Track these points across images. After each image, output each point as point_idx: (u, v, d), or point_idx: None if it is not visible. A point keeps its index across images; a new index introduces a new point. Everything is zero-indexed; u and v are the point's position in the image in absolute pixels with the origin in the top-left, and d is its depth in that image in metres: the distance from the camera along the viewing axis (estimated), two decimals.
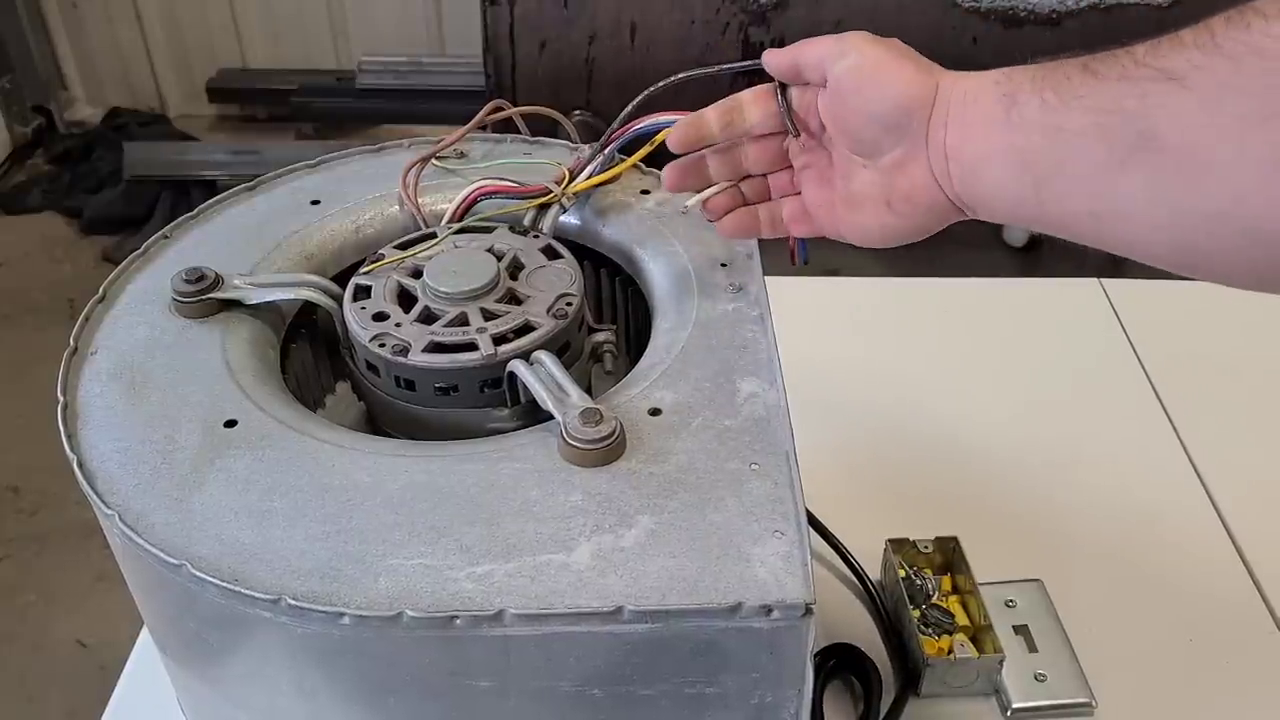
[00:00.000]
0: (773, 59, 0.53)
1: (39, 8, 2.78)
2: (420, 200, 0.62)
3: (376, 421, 0.57)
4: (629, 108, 0.59)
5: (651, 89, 0.58)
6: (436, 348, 0.51)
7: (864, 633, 0.70)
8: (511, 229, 0.59)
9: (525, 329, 0.52)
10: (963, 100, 0.46)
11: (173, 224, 0.61)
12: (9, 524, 1.81)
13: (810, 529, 0.51)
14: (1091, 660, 0.66)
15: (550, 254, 0.57)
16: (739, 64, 0.58)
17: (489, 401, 0.52)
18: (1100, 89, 0.40)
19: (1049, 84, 0.42)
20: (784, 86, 0.53)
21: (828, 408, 0.81)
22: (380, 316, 0.53)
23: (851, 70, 0.49)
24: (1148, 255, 0.42)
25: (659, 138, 0.60)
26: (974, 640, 0.66)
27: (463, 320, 0.52)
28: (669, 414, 0.48)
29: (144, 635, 0.69)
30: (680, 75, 0.57)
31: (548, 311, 0.53)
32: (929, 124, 0.47)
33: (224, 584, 0.41)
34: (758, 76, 0.55)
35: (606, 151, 0.60)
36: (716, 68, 0.58)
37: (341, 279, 0.57)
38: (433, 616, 0.40)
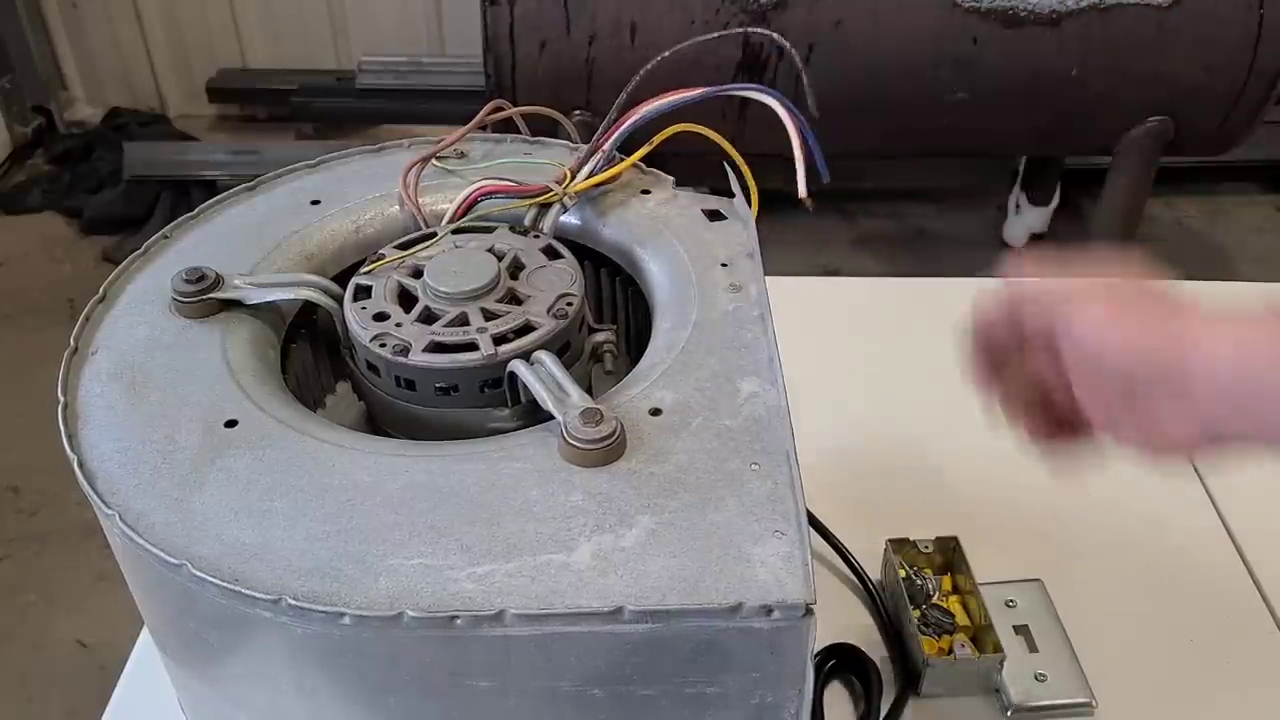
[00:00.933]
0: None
1: (39, 8, 2.78)
2: (420, 200, 0.62)
3: (376, 421, 0.57)
4: (621, 96, 0.59)
5: (641, 72, 0.57)
6: (437, 348, 0.51)
7: (864, 632, 0.70)
8: (512, 229, 0.59)
9: (525, 329, 0.52)
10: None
11: (173, 224, 0.61)
12: (9, 524, 1.81)
13: (810, 529, 0.51)
14: (1091, 660, 0.66)
15: (551, 254, 0.57)
16: (715, 35, 0.57)
17: (489, 401, 0.52)
18: None
19: None
20: None
21: (828, 408, 0.81)
22: (380, 316, 0.53)
23: (1083, 320, 0.47)
24: None
25: (659, 137, 0.60)
26: (974, 640, 0.66)
27: (463, 320, 0.52)
28: (669, 414, 0.48)
29: (144, 635, 0.69)
30: (667, 52, 0.57)
31: (548, 311, 0.53)
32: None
33: (224, 584, 0.41)
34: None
35: (605, 148, 0.60)
36: (702, 38, 0.56)
37: (342, 279, 0.57)
38: (433, 616, 0.40)
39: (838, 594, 0.72)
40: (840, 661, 0.67)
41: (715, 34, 0.58)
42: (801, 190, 0.57)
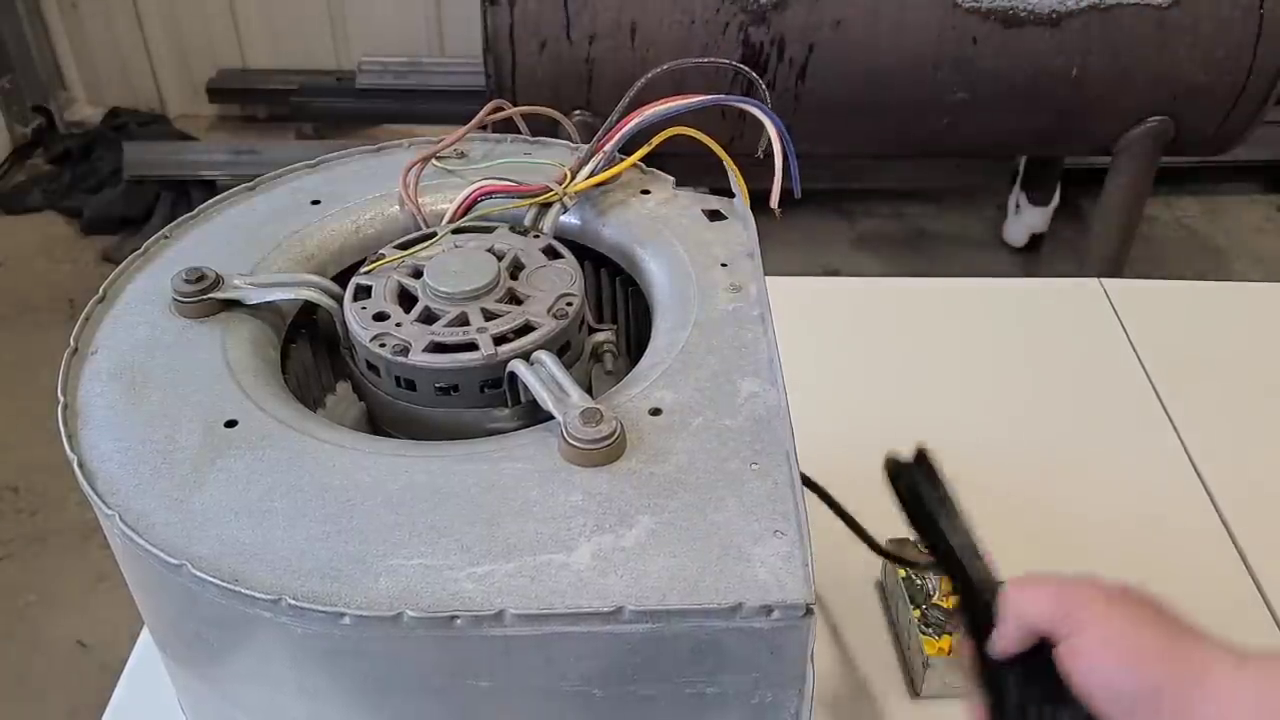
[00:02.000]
0: (1006, 645, 0.47)
1: (39, 8, 2.78)
2: (420, 200, 0.62)
3: (376, 421, 0.57)
4: (624, 100, 0.59)
5: (644, 79, 0.58)
6: (437, 348, 0.51)
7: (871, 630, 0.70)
8: (512, 229, 0.59)
9: (526, 329, 0.52)
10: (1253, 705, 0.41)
11: (173, 224, 0.61)
12: (9, 524, 1.81)
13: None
14: None
15: (551, 254, 0.57)
16: (727, 62, 0.58)
17: (489, 401, 0.52)
18: None
19: None
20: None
21: (828, 408, 0.81)
22: (381, 316, 0.53)
23: (1075, 652, 0.44)
24: None
25: (657, 139, 0.60)
26: None
27: (463, 320, 0.52)
28: (669, 414, 0.48)
29: (144, 635, 0.69)
30: (670, 64, 0.57)
31: (548, 311, 0.53)
32: (1189, 714, 0.42)
33: (224, 584, 0.41)
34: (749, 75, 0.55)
35: (606, 149, 0.60)
36: (709, 60, 0.57)
37: (342, 279, 0.57)
38: (433, 616, 0.40)
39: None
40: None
41: (710, 59, 0.59)
42: (774, 201, 0.58)
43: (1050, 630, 0.45)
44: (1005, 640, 0.47)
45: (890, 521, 0.74)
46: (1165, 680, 0.42)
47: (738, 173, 0.61)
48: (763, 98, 0.59)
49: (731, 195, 0.62)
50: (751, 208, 0.61)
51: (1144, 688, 0.42)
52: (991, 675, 0.48)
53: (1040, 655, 0.46)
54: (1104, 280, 1.05)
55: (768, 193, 0.60)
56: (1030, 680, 0.46)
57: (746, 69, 0.59)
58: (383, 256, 0.56)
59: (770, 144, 0.58)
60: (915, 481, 0.54)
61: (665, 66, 0.58)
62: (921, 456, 0.54)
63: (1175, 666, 0.42)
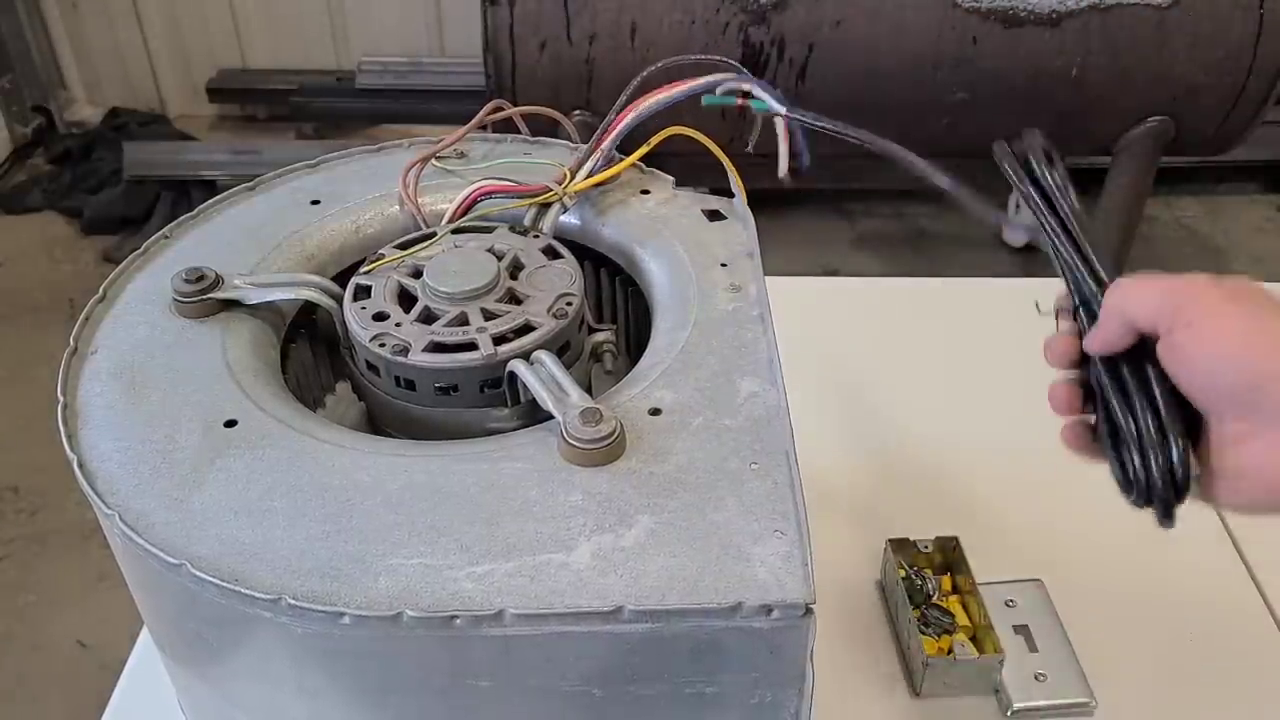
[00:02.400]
0: (1104, 340, 0.47)
1: (39, 8, 2.78)
2: (420, 200, 0.62)
3: (376, 421, 0.57)
4: (622, 97, 0.59)
5: (641, 76, 0.58)
6: (436, 347, 0.51)
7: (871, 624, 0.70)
8: (511, 229, 0.59)
9: (525, 329, 0.52)
10: None
11: (173, 224, 0.61)
12: (9, 524, 1.81)
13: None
14: (1091, 660, 0.66)
15: (550, 254, 0.57)
16: (718, 59, 0.58)
17: (489, 401, 0.52)
18: None
19: None
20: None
21: (828, 407, 0.81)
22: (380, 316, 0.53)
23: (1179, 345, 0.43)
24: None
25: (656, 138, 0.60)
26: (974, 640, 0.66)
27: (463, 320, 0.52)
28: (669, 414, 0.48)
29: (144, 635, 0.69)
30: (666, 61, 0.57)
31: (548, 311, 0.53)
32: None
33: (224, 584, 0.41)
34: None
35: (604, 147, 0.60)
36: (705, 57, 0.57)
37: (341, 279, 0.57)
38: (433, 616, 0.40)
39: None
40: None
41: (707, 56, 0.59)
42: (782, 170, 0.58)
43: (1153, 326, 0.44)
44: (1105, 333, 0.46)
45: (891, 521, 0.74)
46: (1270, 374, 0.40)
47: (735, 173, 0.61)
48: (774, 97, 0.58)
49: (731, 195, 0.62)
50: (751, 207, 0.61)
51: (1246, 380, 0.41)
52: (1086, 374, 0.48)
53: (1138, 356, 0.45)
54: None
55: (766, 192, 0.60)
56: (1124, 376, 0.46)
57: (739, 66, 0.58)
58: (383, 256, 0.57)
59: (756, 138, 0.58)
60: (1035, 157, 0.53)
61: (661, 64, 0.58)
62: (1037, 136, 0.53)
63: (1272, 362, 0.41)
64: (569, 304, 0.53)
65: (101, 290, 0.56)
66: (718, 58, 0.58)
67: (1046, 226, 0.50)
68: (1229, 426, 0.42)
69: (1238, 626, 0.71)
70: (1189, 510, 0.81)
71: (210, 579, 0.42)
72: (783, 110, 0.57)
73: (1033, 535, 0.76)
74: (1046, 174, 0.51)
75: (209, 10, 2.80)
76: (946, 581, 0.70)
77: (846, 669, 0.68)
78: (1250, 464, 0.42)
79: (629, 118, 0.59)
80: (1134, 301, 0.46)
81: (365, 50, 2.73)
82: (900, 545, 0.71)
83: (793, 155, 0.58)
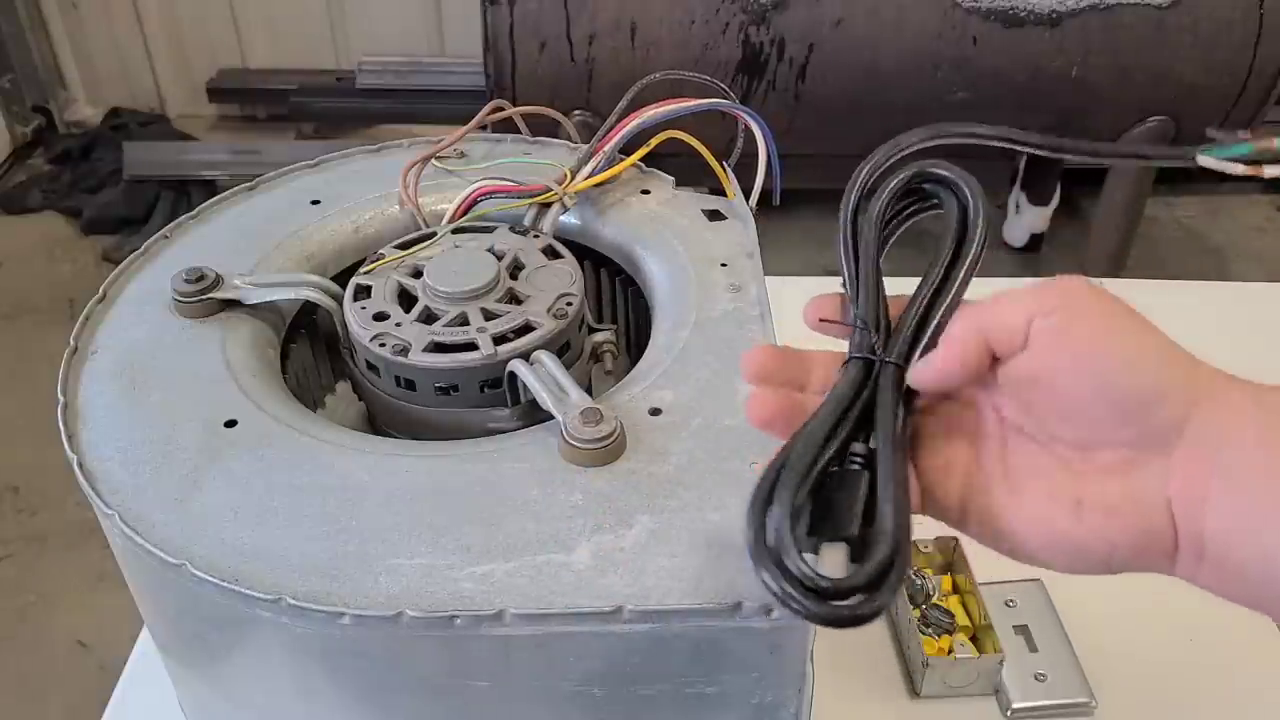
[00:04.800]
0: (950, 347, 0.38)
1: (39, 8, 2.78)
2: (420, 200, 0.62)
3: (376, 421, 0.57)
4: (622, 103, 0.60)
5: (643, 81, 0.58)
6: (437, 347, 0.51)
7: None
8: (512, 229, 0.59)
9: (525, 329, 0.52)
10: (1256, 409, 0.34)
11: (173, 224, 0.61)
12: (9, 524, 1.81)
13: None
14: (1091, 660, 0.66)
15: (550, 254, 0.57)
16: (718, 92, 0.59)
17: (489, 401, 0.52)
18: None
19: None
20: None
21: None
22: (380, 316, 0.53)
23: (1072, 335, 0.36)
24: None
25: (654, 140, 0.60)
26: (974, 640, 0.66)
27: (463, 320, 0.52)
28: (669, 414, 0.48)
29: (144, 635, 0.69)
30: (658, 75, 0.57)
31: (548, 311, 0.53)
32: (1185, 426, 0.34)
33: (224, 584, 0.41)
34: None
35: (605, 150, 0.60)
36: (703, 77, 0.58)
37: (341, 279, 0.57)
38: (433, 616, 0.40)
39: None
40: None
41: (697, 75, 0.60)
42: (753, 200, 0.60)
43: (1020, 334, 0.36)
44: (949, 356, 0.38)
45: None
46: (1169, 385, 0.35)
47: (725, 179, 0.62)
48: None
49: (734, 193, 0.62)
50: (764, 206, 0.61)
51: (1144, 388, 0.35)
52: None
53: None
54: (1104, 280, 1.04)
55: (765, 192, 0.60)
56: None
57: (728, 90, 0.60)
58: (383, 256, 0.57)
59: (737, 154, 0.60)
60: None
61: (658, 75, 0.59)
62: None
63: (1181, 371, 0.35)
64: (569, 304, 0.53)
65: (101, 290, 0.56)
66: (714, 81, 0.60)
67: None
68: (1103, 453, 0.36)
69: (1238, 626, 0.71)
70: None
71: (210, 579, 0.42)
72: (766, 146, 0.59)
73: None
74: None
75: (209, 10, 2.79)
76: (946, 581, 0.70)
77: (846, 669, 0.68)
78: (1114, 494, 0.35)
79: (630, 125, 0.59)
80: (997, 310, 0.38)
81: (365, 50, 2.73)
82: None
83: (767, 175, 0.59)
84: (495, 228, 0.59)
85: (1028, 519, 0.37)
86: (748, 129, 0.59)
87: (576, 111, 1.76)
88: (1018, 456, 0.38)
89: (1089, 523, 0.36)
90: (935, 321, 0.40)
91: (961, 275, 0.42)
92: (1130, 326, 0.36)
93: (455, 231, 0.58)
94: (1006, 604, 0.69)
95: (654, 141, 0.60)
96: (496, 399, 0.52)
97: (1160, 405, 0.35)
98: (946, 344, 0.39)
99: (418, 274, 0.55)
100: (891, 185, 0.45)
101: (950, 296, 0.41)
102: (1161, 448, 0.35)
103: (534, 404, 0.49)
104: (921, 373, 0.39)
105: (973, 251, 0.43)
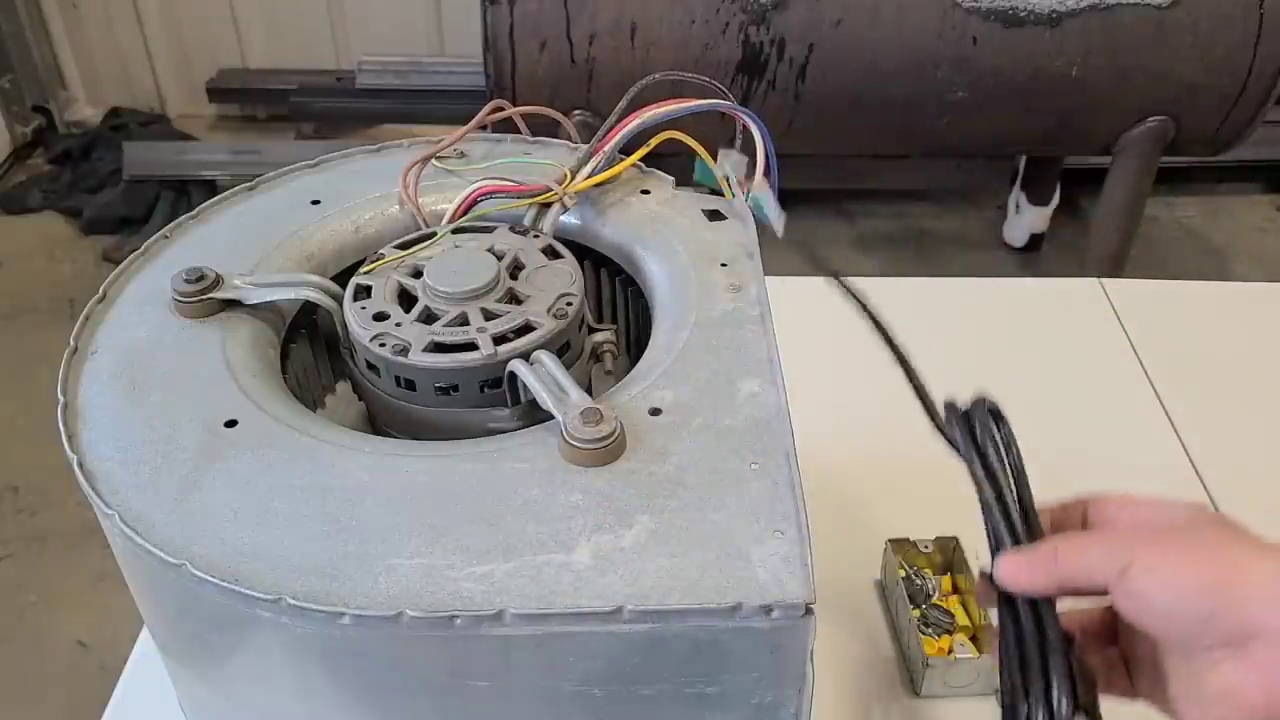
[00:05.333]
0: (1030, 576, 0.46)
1: (39, 8, 2.78)
2: (420, 200, 0.62)
3: (376, 421, 0.57)
4: (622, 103, 0.60)
5: (642, 82, 0.58)
6: (437, 347, 0.51)
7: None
8: (512, 229, 0.59)
9: (525, 329, 0.52)
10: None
11: (173, 224, 0.61)
12: (9, 524, 1.81)
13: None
14: None
15: (550, 254, 0.57)
16: (718, 97, 0.59)
17: (489, 401, 0.52)
18: None
19: None
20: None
21: (828, 408, 0.81)
22: (380, 316, 0.53)
23: (1132, 594, 0.44)
24: None
25: (654, 141, 0.60)
26: (974, 640, 0.66)
27: (463, 320, 0.52)
28: (669, 414, 0.48)
29: (144, 635, 0.69)
30: (670, 73, 0.57)
31: (548, 311, 0.53)
32: (1241, 619, 0.42)
33: (224, 584, 0.41)
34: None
35: (605, 150, 0.60)
36: (702, 78, 0.58)
37: (342, 279, 0.57)
38: (433, 616, 0.40)
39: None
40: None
41: (696, 76, 0.60)
42: (779, 232, 0.60)
43: (1096, 584, 0.44)
44: (1032, 578, 0.46)
45: (891, 521, 0.74)
46: (1216, 604, 0.42)
47: (727, 186, 0.62)
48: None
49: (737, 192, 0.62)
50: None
51: (1200, 613, 0.42)
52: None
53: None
54: (1104, 280, 1.05)
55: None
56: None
57: (726, 91, 0.60)
58: (383, 256, 0.57)
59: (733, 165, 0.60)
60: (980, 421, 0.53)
61: (658, 75, 0.59)
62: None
63: (1223, 589, 0.42)
64: (569, 304, 0.53)
65: (101, 290, 0.56)
66: (713, 82, 0.60)
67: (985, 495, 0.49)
68: (1199, 657, 0.43)
69: None
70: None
71: (210, 579, 0.42)
72: (765, 151, 0.59)
73: None
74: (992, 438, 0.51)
75: (209, 10, 2.80)
76: (946, 581, 0.70)
77: (846, 669, 0.68)
78: (1223, 687, 0.42)
79: (630, 125, 0.59)
80: (1072, 560, 0.45)
81: (365, 50, 2.73)
82: (900, 545, 0.71)
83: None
84: (495, 228, 0.59)
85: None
86: (747, 130, 0.59)
87: (576, 111, 1.77)
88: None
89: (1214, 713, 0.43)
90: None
91: None
92: (1178, 564, 0.43)
93: (455, 231, 0.58)
94: None
95: (654, 142, 0.60)
96: (496, 399, 0.52)
97: (1214, 621, 0.42)
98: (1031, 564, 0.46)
99: (418, 274, 0.55)
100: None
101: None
102: (1233, 648, 0.42)
103: (534, 404, 0.49)
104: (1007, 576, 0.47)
105: None
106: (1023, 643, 0.45)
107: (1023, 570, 0.46)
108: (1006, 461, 0.49)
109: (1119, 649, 0.49)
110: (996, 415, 0.51)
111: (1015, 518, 0.48)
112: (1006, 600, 0.47)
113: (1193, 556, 0.43)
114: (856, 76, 1.77)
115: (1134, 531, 0.46)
